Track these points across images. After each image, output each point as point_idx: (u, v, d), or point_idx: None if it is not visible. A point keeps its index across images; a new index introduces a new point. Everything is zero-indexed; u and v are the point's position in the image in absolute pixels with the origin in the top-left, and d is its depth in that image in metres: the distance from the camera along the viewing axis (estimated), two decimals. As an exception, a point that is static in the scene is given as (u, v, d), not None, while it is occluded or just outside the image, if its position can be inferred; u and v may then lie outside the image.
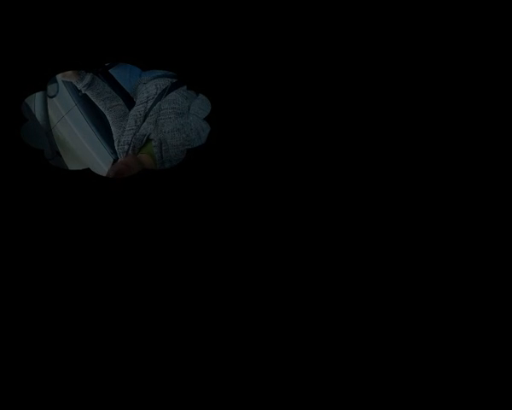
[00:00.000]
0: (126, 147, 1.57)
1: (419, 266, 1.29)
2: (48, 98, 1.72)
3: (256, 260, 1.30)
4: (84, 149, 1.71)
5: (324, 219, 1.33)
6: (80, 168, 1.59)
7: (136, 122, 1.59)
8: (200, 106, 1.54)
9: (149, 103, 1.59)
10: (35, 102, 1.69)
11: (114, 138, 1.67)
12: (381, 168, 1.36)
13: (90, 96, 1.70)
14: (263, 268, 1.30)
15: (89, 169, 1.58)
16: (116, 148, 1.61)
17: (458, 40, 1.44)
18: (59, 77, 1.71)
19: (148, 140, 1.54)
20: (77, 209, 1.43)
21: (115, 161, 1.62)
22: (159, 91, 1.60)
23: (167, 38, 1.63)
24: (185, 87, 1.60)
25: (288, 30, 1.47)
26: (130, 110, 1.65)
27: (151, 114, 1.57)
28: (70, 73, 1.67)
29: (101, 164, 1.72)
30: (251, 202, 1.36)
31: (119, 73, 1.72)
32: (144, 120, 1.57)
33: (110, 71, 1.72)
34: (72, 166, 1.75)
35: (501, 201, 1.32)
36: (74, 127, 1.73)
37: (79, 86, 1.69)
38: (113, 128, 1.69)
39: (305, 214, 1.34)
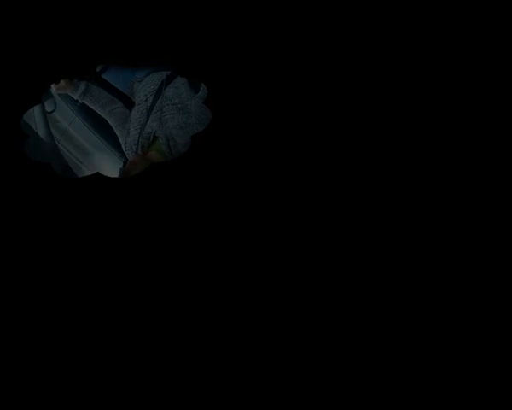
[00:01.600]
0: (134, 147, 1.58)
1: (417, 265, 1.29)
2: (47, 114, 1.73)
3: (259, 250, 1.31)
4: (92, 156, 1.74)
5: (324, 206, 1.34)
6: (89, 174, 1.60)
7: (139, 122, 1.59)
8: (200, 99, 1.53)
9: (149, 101, 1.60)
10: (34, 117, 1.70)
11: (120, 141, 1.69)
12: (379, 159, 1.38)
13: (88, 104, 1.72)
14: (266, 257, 1.30)
15: (98, 174, 1.60)
16: (124, 150, 1.63)
17: (458, 40, 1.46)
18: (53, 90, 1.71)
19: (155, 137, 1.55)
20: (91, 213, 1.43)
21: (125, 163, 1.64)
22: (156, 87, 1.61)
23: (154, 30, 1.63)
24: (179, 77, 1.61)
25: (283, 16, 1.48)
26: (130, 111, 1.66)
27: (154, 111, 1.58)
28: (63, 84, 1.67)
29: (111, 167, 1.76)
30: (251, 195, 1.36)
31: (112, 75, 1.73)
32: (148, 119, 1.58)
33: (103, 76, 1.73)
34: (82, 173, 1.78)
35: (501, 200, 1.33)
36: (79, 138, 1.75)
37: (75, 96, 1.70)
38: (117, 132, 1.71)
39: (305, 206, 1.35)
